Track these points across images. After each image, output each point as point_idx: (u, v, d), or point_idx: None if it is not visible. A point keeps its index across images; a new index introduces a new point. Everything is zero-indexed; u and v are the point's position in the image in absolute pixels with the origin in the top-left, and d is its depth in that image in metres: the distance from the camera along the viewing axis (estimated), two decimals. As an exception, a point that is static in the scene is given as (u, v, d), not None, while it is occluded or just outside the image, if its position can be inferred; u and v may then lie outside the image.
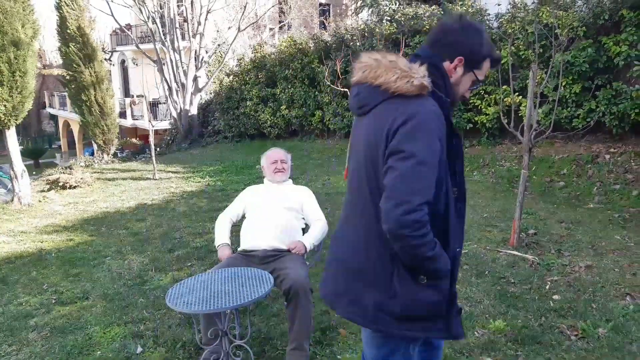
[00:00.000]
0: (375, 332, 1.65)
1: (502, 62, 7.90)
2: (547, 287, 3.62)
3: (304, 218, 3.22)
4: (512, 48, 7.78)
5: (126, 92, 24.89)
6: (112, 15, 15.51)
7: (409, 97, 1.52)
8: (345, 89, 9.16)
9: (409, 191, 1.43)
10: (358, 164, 1.65)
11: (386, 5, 11.57)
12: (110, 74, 20.13)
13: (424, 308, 1.56)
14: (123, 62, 25.21)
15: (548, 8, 7.47)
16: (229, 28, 17.73)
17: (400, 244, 1.47)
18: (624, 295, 3.43)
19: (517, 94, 7.51)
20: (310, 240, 3.02)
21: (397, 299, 1.55)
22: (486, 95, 8.42)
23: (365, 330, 1.74)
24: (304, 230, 3.19)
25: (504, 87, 7.82)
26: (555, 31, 6.20)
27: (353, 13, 16.86)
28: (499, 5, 8.71)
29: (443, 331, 1.61)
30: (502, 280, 3.79)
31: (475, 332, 3.02)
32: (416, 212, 1.42)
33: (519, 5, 8.27)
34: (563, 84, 7.00)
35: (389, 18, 10.60)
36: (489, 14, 9.25)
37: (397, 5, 11.30)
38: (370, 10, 12.30)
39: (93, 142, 17.11)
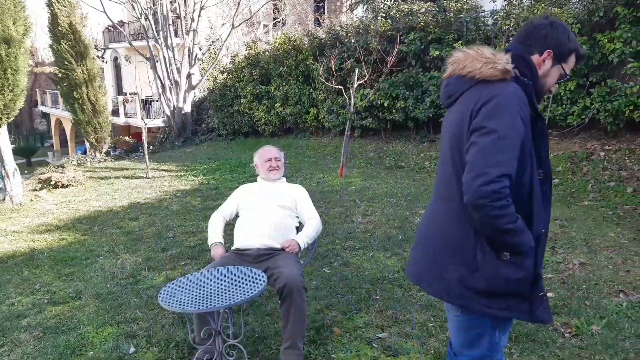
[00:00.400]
0: (460, 308, 1.70)
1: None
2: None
3: (297, 216, 3.20)
4: (507, 45, 7.78)
5: (119, 90, 24.76)
6: (105, 12, 15.40)
7: (493, 82, 1.62)
8: (340, 87, 9.15)
9: (489, 164, 1.50)
10: (444, 150, 1.76)
11: (381, 2, 11.53)
12: (102, 72, 20.06)
13: (507, 284, 1.60)
14: (116, 59, 25.07)
15: (543, 5, 7.48)
16: (223, 25, 17.64)
17: (479, 214, 1.53)
18: (617, 292, 3.44)
19: (511, 91, 7.51)
20: (304, 238, 3.00)
21: (480, 274, 1.61)
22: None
23: (450, 313, 1.79)
24: (298, 229, 3.17)
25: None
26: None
27: (348, 10, 16.81)
28: (494, 2, 8.71)
29: (527, 313, 1.64)
30: (496, 277, 3.78)
31: (470, 330, 3.02)
32: (494, 182, 1.48)
33: (514, 2, 8.28)
34: (557, 81, 7.00)
35: (384, 15, 10.58)
36: (484, 11, 9.25)
37: (392, 2, 11.27)
38: (365, 6, 12.26)
39: (85, 140, 17.02)
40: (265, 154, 3.28)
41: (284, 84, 12.38)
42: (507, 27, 7.89)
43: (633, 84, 6.33)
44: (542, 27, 1.71)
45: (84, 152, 19.18)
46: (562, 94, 7.14)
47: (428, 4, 9.98)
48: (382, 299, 3.51)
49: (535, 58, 1.70)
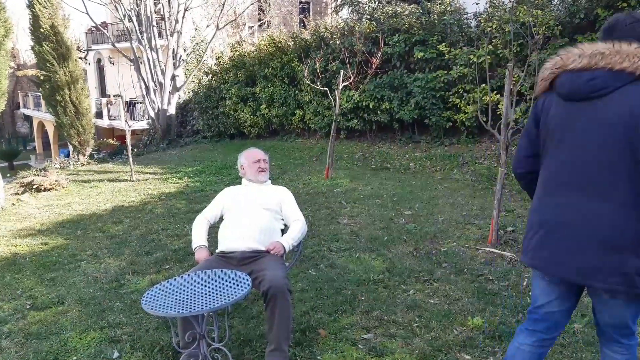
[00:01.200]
0: (636, 297, 1.79)
1: (480, 60, 7.99)
2: (525, 283, 3.66)
3: (283, 219, 3.19)
4: (490, 47, 7.87)
5: (102, 92, 24.49)
6: (87, 13, 15.22)
7: None
8: (325, 88, 9.17)
9: None
10: (598, 144, 1.77)
11: (366, 4, 11.60)
12: (85, 74, 19.83)
13: None
14: (99, 61, 24.80)
15: (525, 7, 7.57)
16: (208, 26, 17.56)
17: None
18: (599, 290, 3.49)
19: (495, 92, 7.59)
20: (289, 240, 3.00)
21: None
22: (465, 94, 8.50)
23: (614, 302, 1.85)
24: (283, 231, 3.17)
25: (482, 85, 7.90)
26: (532, 30, 6.29)
27: (333, 11, 16.85)
28: (477, 4, 8.80)
29: None
30: (480, 277, 3.82)
31: (454, 330, 3.04)
32: None
33: (496, 4, 8.37)
34: (539, 82, 7.09)
35: (368, 16, 10.63)
36: (467, 13, 9.34)
37: (376, 4, 11.33)
38: (350, 8, 12.31)
39: (68, 143, 16.81)
40: (254, 156, 3.28)
41: (269, 85, 12.37)
42: (489, 29, 7.97)
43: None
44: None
45: (67, 155, 18.93)
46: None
47: (412, 6, 10.06)
48: (367, 300, 3.52)
49: None
